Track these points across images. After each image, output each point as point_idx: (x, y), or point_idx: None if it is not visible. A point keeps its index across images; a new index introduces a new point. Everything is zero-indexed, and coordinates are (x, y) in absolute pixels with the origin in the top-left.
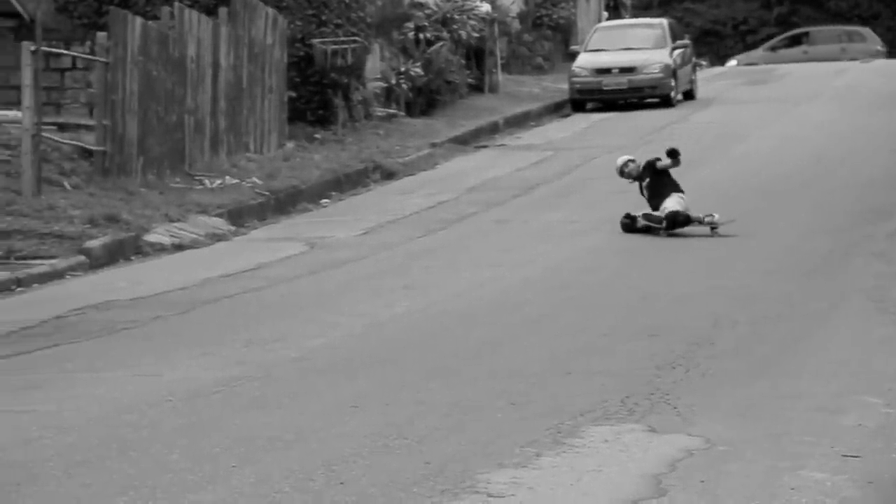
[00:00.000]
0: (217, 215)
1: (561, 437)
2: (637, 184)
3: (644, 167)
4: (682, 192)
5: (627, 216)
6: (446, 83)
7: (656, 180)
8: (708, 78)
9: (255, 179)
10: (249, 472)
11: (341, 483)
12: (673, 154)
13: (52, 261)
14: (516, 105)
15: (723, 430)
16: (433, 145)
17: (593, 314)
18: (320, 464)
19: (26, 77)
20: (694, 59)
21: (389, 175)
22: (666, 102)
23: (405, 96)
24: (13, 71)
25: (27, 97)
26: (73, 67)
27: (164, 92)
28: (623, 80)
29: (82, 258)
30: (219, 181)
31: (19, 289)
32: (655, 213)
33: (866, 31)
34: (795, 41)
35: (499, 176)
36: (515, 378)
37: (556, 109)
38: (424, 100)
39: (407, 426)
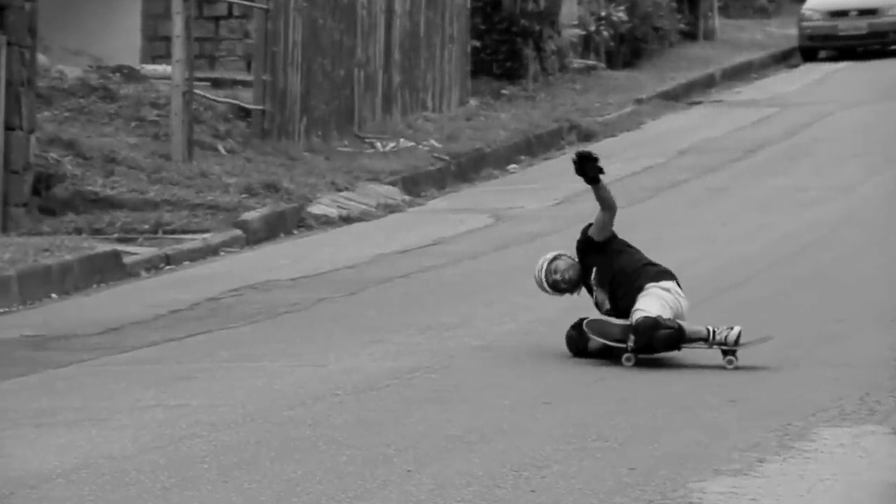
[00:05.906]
0: (390, 183)
1: (788, 441)
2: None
3: (579, 249)
4: (668, 276)
5: (575, 325)
6: (654, 30)
7: (604, 262)
8: None
9: (433, 142)
10: (427, 476)
11: (532, 491)
12: (586, 167)
13: (205, 235)
14: (735, 54)
15: None
16: (638, 102)
17: (825, 297)
18: (508, 468)
19: (177, 27)
20: None
21: (587, 136)
22: None
23: (606, 45)
24: (162, 20)
25: (178, 49)
26: (229, 16)
27: (330, 43)
28: (862, 24)
29: (238, 232)
30: (392, 144)
31: (168, 267)
32: (618, 322)
33: None
34: None
35: (714, 137)
36: (734, 372)
37: (783, 59)
38: (628, 49)
39: (607, 425)
